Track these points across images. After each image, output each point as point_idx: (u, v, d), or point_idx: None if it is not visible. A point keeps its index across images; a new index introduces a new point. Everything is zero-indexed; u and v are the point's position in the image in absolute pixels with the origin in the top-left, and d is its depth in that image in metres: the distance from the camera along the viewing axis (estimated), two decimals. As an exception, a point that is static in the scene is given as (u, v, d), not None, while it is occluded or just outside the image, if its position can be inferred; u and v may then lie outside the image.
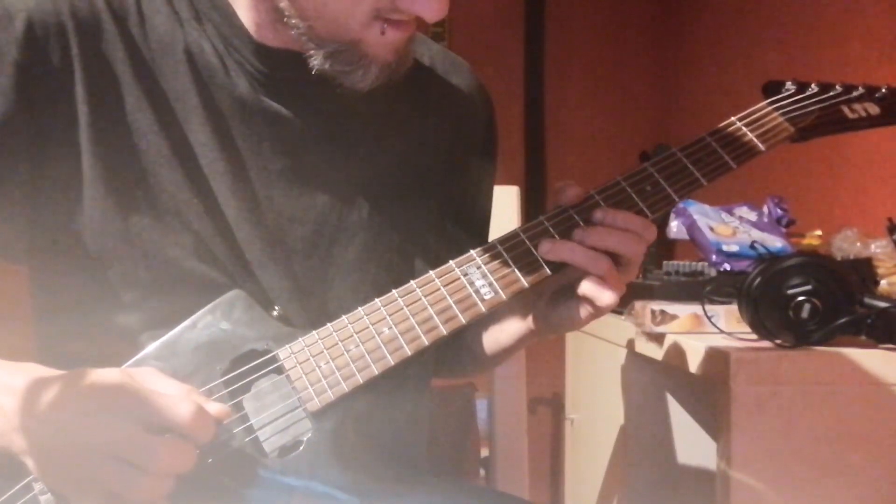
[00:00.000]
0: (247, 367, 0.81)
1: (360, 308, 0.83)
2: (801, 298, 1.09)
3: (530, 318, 0.96)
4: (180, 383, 0.75)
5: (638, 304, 1.34)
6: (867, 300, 1.12)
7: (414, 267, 0.95)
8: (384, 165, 0.95)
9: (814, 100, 0.95)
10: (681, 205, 1.52)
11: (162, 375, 0.75)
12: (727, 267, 1.47)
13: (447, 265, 0.85)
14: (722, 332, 1.24)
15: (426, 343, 0.82)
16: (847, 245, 1.58)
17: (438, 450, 1.18)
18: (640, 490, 1.53)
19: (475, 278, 0.84)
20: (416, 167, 0.97)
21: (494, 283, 0.84)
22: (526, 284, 0.84)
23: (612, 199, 0.87)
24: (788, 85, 0.96)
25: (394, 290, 0.83)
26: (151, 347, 0.81)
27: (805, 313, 1.09)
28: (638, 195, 0.87)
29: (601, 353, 1.67)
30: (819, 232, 1.66)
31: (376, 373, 0.81)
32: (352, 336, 0.82)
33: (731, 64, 2.66)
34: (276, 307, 0.85)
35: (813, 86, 0.96)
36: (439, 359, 1.05)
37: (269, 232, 0.88)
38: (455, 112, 1.02)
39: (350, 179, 0.93)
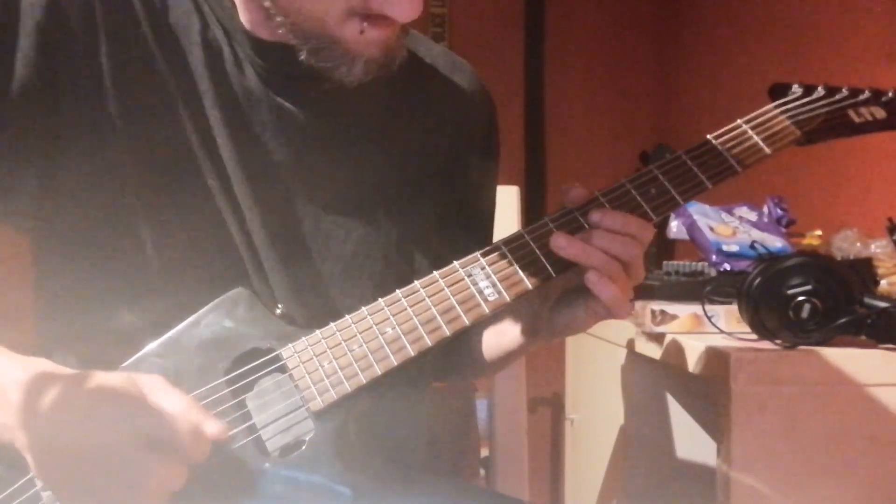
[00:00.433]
0: (250, 365, 0.81)
1: (363, 308, 0.83)
2: (801, 298, 1.09)
3: (533, 323, 0.96)
4: (183, 395, 0.75)
5: (638, 304, 1.34)
6: (867, 300, 1.12)
7: (414, 264, 0.95)
8: (383, 162, 0.95)
9: (820, 103, 0.94)
10: (684, 205, 1.52)
11: (167, 385, 0.75)
12: (727, 267, 1.47)
13: (451, 266, 0.85)
14: (722, 332, 1.24)
15: (429, 344, 0.82)
16: (847, 245, 1.58)
17: (438, 450, 1.18)
18: (640, 490, 1.53)
19: (479, 279, 0.84)
20: (415, 165, 0.98)
21: (498, 284, 0.84)
22: (530, 286, 0.84)
23: (617, 201, 0.87)
24: (795, 88, 0.95)
25: (397, 290, 0.83)
26: (154, 344, 0.81)
27: (805, 313, 1.09)
28: (642, 197, 0.87)
29: (601, 353, 1.67)
30: (819, 232, 1.66)
31: (379, 373, 0.81)
32: (355, 336, 0.82)
33: (731, 64, 2.66)
34: (280, 305, 0.85)
35: (820, 89, 0.95)
36: (443, 363, 1.05)
37: (272, 221, 0.88)
38: (456, 112, 1.02)
39: (349, 175, 0.93)
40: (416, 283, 0.84)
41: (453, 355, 1.06)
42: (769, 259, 1.18)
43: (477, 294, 0.83)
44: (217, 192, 0.86)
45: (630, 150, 2.67)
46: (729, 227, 1.54)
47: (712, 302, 1.26)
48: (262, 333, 0.82)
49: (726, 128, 0.91)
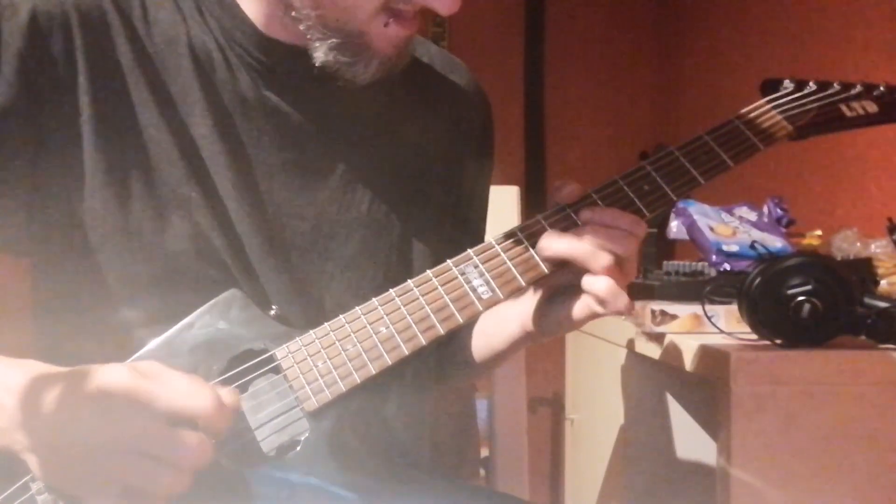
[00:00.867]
0: (244, 366, 0.81)
1: (357, 307, 0.83)
2: (801, 298, 1.09)
3: (522, 321, 0.96)
4: (186, 374, 0.74)
5: (638, 304, 1.34)
6: (867, 300, 1.12)
7: (412, 265, 0.95)
8: (383, 163, 0.95)
9: (812, 98, 0.95)
10: (681, 205, 1.51)
11: (168, 368, 0.74)
12: (727, 267, 1.47)
13: (445, 264, 0.84)
14: (722, 332, 1.24)
15: (423, 342, 0.81)
16: (847, 245, 1.58)
17: (438, 450, 1.18)
18: (640, 490, 1.52)
19: (472, 277, 0.84)
20: (414, 165, 0.98)
21: (492, 281, 0.83)
22: (523, 283, 0.84)
23: (610, 198, 0.87)
24: (786, 83, 0.96)
25: (391, 290, 0.83)
26: (148, 347, 0.81)
27: (805, 313, 1.09)
28: (636, 194, 0.87)
29: (601, 353, 1.66)
30: (819, 232, 1.66)
31: (373, 372, 0.80)
32: (349, 335, 0.81)
33: (730, 64, 2.66)
34: (274, 307, 0.85)
35: (811, 84, 0.96)
36: (437, 369, 1.05)
37: (269, 226, 0.88)
38: (453, 111, 1.03)
39: (349, 176, 0.93)
40: (410, 282, 0.84)
41: (448, 361, 1.06)
42: (769, 259, 1.18)
43: (471, 292, 0.83)
44: (198, 204, 0.85)
45: (630, 150, 2.68)
46: (729, 227, 1.54)
47: (712, 302, 1.26)
48: (256, 334, 0.82)
49: (718, 124, 0.91)
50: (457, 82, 1.04)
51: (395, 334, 0.81)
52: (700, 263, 1.53)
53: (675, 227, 1.57)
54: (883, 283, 1.44)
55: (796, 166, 2.17)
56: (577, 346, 1.93)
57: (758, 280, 1.12)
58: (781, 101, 0.94)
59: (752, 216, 1.58)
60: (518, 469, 1.42)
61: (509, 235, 0.86)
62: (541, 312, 0.93)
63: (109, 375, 0.72)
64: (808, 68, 2.19)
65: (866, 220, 1.78)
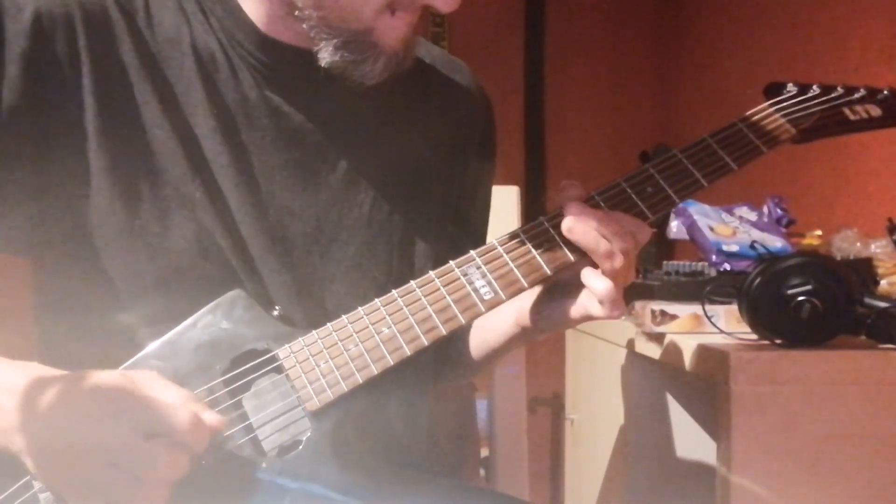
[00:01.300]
0: (247, 366, 0.81)
1: (359, 308, 0.83)
2: (801, 298, 1.09)
3: (519, 319, 0.96)
4: (179, 389, 0.75)
5: (638, 304, 1.34)
6: (867, 300, 1.12)
7: (414, 265, 0.96)
8: (385, 163, 0.96)
9: (815, 101, 0.95)
10: (681, 205, 1.51)
11: (162, 380, 0.75)
12: (727, 267, 1.47)
13: (447, 265, 0.85)
14: (722, 332, 1.24)
15: (425, 343, 0.82)
16: (847, 245, 1.58)
17: (438, 450, 1.18)
18: (640, 490, 1.52)
19: (475, 278, 0.84)
20: (416, 166, 0.98)
21: (494, 283, 0.84)
22: (526, 285, 0.84)
23: (613, 199, 0.87)
24: (790, 86, 0.96)
25: (393, 290, 0.83)
26: (152, 346, 0.81)
27: (805, 313, 1.09)
28: (638, 196, 0.87)
29: (601, 353, 1.66)
30: (819, 232, 1.66)
31: (375, 372, 0.81)
32: (351, 336, 0.82)
33: (730, 64, 2.66)
34: (277, 307, 0.85)
35: (815, 87, 0.96)
36: (435, 366, 1.05)
37: (270, 226, 0.88)
38: (455, 112, 1.03)
39: (351, 176, 0.93)
40: (412, 282, 0.84)
41: (445, 359, 1.06)
42: (769, 259, 1.18)
43: (473, 293, 0.83)
44: (202, 203, 0.86)
45: (630, 150, 2.67)
46: (729, 227, 1.54)
47: (712, 302, 1.26)
48: (259, 334, 0.82)
49: (722, 127, 0.91)
50: (459, 82, 1.04)
51: (398, 335, 0.82)
52: (700, 263, 1.53)
53: (675, 227, 1.57)
54: (883, 283, 1.44)
55: (796, 166, 2.17)
56: (577, 346, 1.93)
57: (758, 280, 1.12)
58: (785, 104, 0.94)
59: (752, 216, 1.59)
60: (518, 469, 1.42)
61: (512, 237, 0.86)
62: (538, 310, 0.93)
63: (101, 382, 0.72)
64: (807, 68, 2.19)
65: (866, 220, 1.78)
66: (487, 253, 0.85)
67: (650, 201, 0.87)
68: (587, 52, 3.12)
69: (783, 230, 1.58)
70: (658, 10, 3.14)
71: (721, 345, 1.17)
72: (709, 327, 1.25)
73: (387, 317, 0.82)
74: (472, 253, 0.85)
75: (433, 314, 0.82)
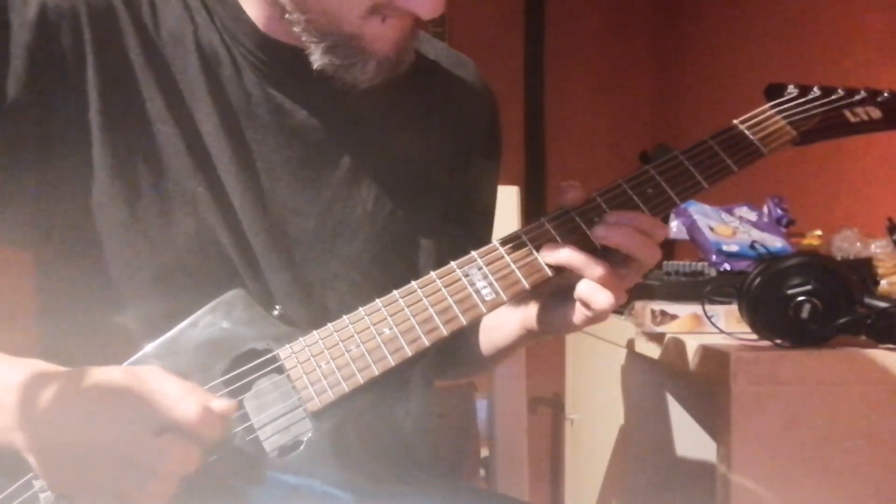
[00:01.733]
0: (247, 366, 0.81)
1: (360, 308, 0.83)
2: (801, 298, 1.09)
3: (525, 320, 0.96)
4: (184, 381, 0.74)
5: (638, 304, 1.34)
6: (867, 300, 1.12)
7: (417, 265, 0.96)
8: (388, 162, 0.95)
9: (816, 103, 0.94)
10: (681, 205, 1.51)
11: (165, 373, 0.75)
12: (727, 267, 1.47)
13: (448, 266, 0.85)
14: (722, 332, 1.24)
15: (427, 344, 0.81)
16: (847, 245, 1.58)
17: (438, 450, 1.18)
18: (640, 490, 1.52)
19: (476, 279, 0.84)
20: (419, 164, 0.98)
21: (495, 283, 0.83)
22: (527, 286, 0.84)
23: (614, 200, 0.87)
24: (791, 88, 0.95)
25: (395, 291, 0.83)
26: (152, 346, 0.81)
27: (805, 313, 1.09)
28: (639, 197, 0.87)
29: (601, 353, 1.66)
30: (819, 232, 1.66)
31: (377, 373, 0.81)
32: (352, 336, 0.82)
33: (731, 64, 2.66)
34: (277, 306, 0.85)
35: (815, 89, 0.96)
36: (442, 360, 1.05)
37: (273, 223, 0.88)
38: (459, 109, 1.02)
39: (353, 174, 0.93)
40: (414, 283, 0.84)
41: (452, 353, 1.06)
42: (769, 259, 1.18)
43: (474, 294, 0.83)
44: (205, 199, 0.86)
45: (630, 150, 2.67)
46: (729, 227, 1.54)
47: (712, 302, 1.26)
48: (260, 334, 0.82)
49: (723, 128, 0.91)
50: (464, 79, 1.04)
51: (399, 335, 0.81)
52: (700, 263, 1.53)
53: (675, 227, 1.58)
54: (883, 283, 1.44)
55: (796, 166, 2.17)
56: (577, 346, 1.93)
57: (758, 280, 1.12)
58: (785, 106, 0.94)
59: (752, 216, 1.59)
60: (518, 469, 1.42)
61: (513, 238, 0.86)
62: (542, 312, 0.93)
63: (105, 379, 0.72)
64: (807, 69, 2.19)
65: (866, 220, 1.78)
66: (489, 254, 0.85)
67: (651, 203, 0.87)
68: (587, 51, 3.12)
69: (783, 230, 1.58)
70: (658, 11, 3.14)
71: (721, 345, 1.17)
72: (709, 327, 1.25)
73: (388, 317, 0.82)
74: (474, 253, 0.85)
75: (434, 315, 0.82)
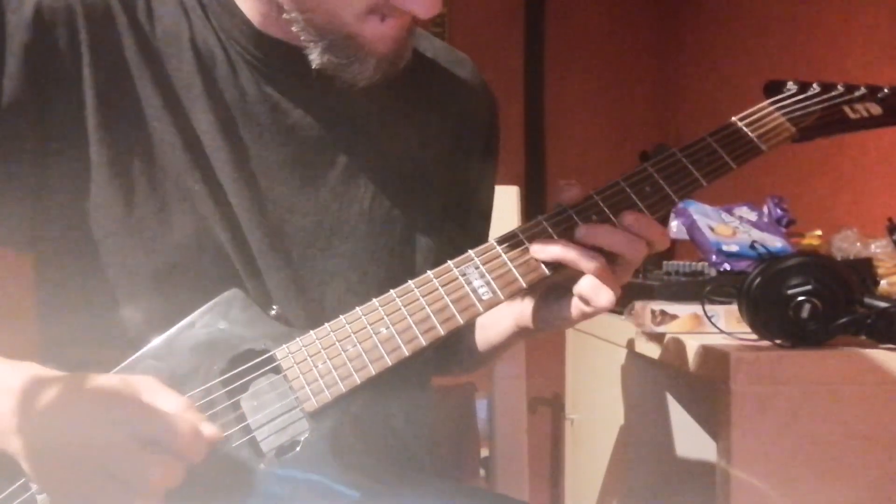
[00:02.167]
0: (244, 366, 0.81)
1: (357, 308, 0.83)
2: (801, 298, 1.09)
3: (520, 317, 0.96)
4: (179, 396, 0.74)
5: (638, 304, 1.34)
6: (867, 300, 1.12)
7: (415, 262, 0.95)
8: (385, 159, 0.95)
9: (815, 100, 0.94)
10: (681, 205, 1.51)
11: (161, 386, 0.74)
12: (727, 267, 1.47)
13: (445, 265, 0.84)
14: (722, 332, 1.24)
15: (424, 343, 0.81)
16: (847, 245, 1.58)
17: (438, 450, 1.18)
18: (640, 490, 1.52)
19: (473, 278, 0.84)
20: (417, 162, 0.98)
21: (492, 283, 0.83)
22: (524, 285, 0.84)
23: (612, 199, 0.86)
24: (790, 85, 0.95)
25: (391, 290, 0.83)
26: (149, 346, 0.81)
27: (805, 313, 1.09)
28: (637, 196, 0.87)
29: (601, 353, 1.66)
30: (819, 232, 1.66)
31: (374, 373, 0.80)
32: (349, 336, 0.81)
33: (731, 64, 2.66)
34: (275, 307, 0.85)
35: (815, 86, 0.95)
36: (439, 357, 1.05)
37: (270, 222, 0.88)
38: (457, 108, 1.02)
39: (350, 172, 0.93)
40: (411, 282, 0.84)
41: (451, 350, 1.06)
42: (769, 259, 1.18)
43: (471, 293, 0.83)
44: (202, 198, 0.86)
45: (630, 150, 2.67)
46: (729, 227, 1.54)
47: (712, 302, 1.26)
48: (257, 334, 0.82)
49: (722, 126, 0.90)
50: (462, 77, 1.03)
51: (396, 335, 0.81)
52: (700, 263, 1.53)
53: (675, 227, 1.57)
54: (883, 283, 1.44)
55: (796, 166, 2.17)
56: (577, 346, 1.93)
57: (758, 280, 1.12)
58: (785, 102, 0.93)
59: (752, 216, 1.58)
60: (518, 469, 1.41)
61: (510, 237, 0.85)
62: (537, 309, 0.93)
63: (98, 386, 0.72)
64: (807, 68, 2.19)
65: (866, 220, 1.78)
66: (486, 253, 0.85)
67: (649, 200, 0.86)
68: (587, 51, 3.12)
69: (783, 230, 1.58)
70: (658, 11, 3.14)
71: (721, 345, 1.17)
72: (709, 327, 1.24)
73: (385, 317, 0.82)
74: (471, 253, 0.85)
75: (431, 314, 0.82)
